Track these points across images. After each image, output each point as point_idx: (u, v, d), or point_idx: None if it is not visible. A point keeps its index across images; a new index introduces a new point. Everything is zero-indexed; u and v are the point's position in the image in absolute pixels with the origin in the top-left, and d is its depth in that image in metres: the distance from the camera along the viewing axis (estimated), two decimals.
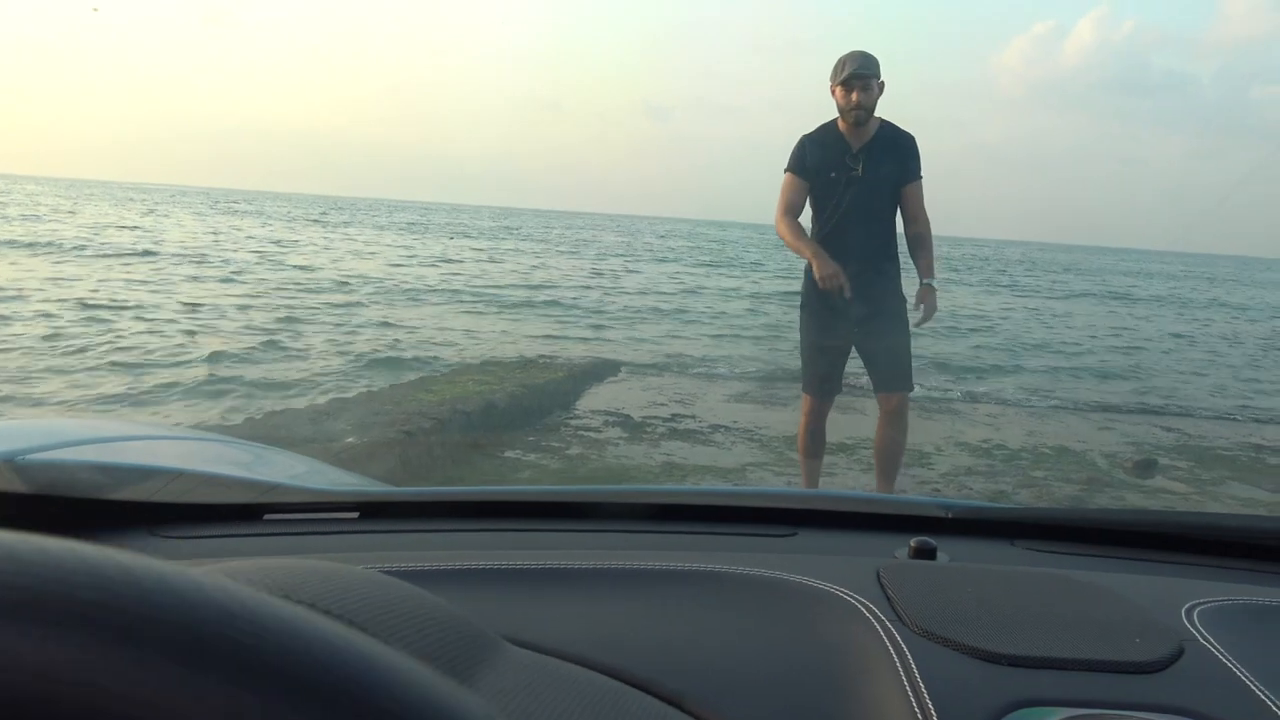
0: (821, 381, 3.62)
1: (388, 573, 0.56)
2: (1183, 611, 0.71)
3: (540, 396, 6.20)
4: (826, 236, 3.48)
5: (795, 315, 3.71)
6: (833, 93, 3.47)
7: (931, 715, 0.54)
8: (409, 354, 8.51)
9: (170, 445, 1.32)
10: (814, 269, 3.40)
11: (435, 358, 8.38)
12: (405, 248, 27.26)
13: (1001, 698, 0.56)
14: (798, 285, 3.73)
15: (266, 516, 0.92)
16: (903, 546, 0.86)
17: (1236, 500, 4.88)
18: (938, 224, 3.57)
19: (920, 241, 3.55)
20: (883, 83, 3.44)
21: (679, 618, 0.69)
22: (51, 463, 0.83)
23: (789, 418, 5.47)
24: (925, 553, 0.84)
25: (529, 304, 13.78)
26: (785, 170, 3.59)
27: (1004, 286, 27.04)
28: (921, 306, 3.46)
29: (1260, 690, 0.60)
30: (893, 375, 3.55)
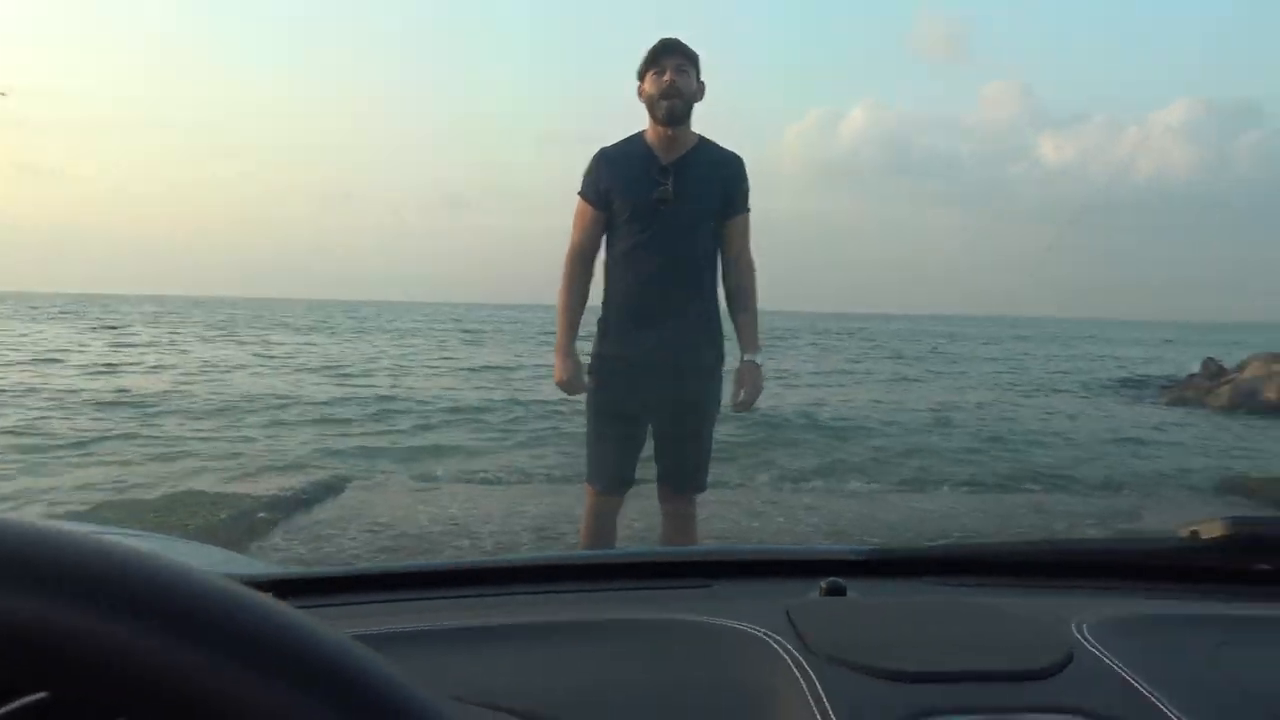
0: (610, 472, 2.77)
1: None
2: (1072, 625, 0.75)
3: None
4: (628, 284, 2.68)
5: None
6: (640, 91, 2.66)
7: None
8: None
9: None
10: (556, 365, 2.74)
11: None
12: None
13: (903, 710, 0.60)
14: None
15: None
16: (815, 589, 0.89)
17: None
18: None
19: (743, 296, 2.79)
20: (702, 83, 2.68)
21: (599, 664, 0.72)
22: None
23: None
24: (835, 591, 0.87)
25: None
26: (578, 194, 2.74)
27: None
28: (743, 392, 2.75)
29: (1144, 688, 0.65)
30: (683, 471, 2.79)
